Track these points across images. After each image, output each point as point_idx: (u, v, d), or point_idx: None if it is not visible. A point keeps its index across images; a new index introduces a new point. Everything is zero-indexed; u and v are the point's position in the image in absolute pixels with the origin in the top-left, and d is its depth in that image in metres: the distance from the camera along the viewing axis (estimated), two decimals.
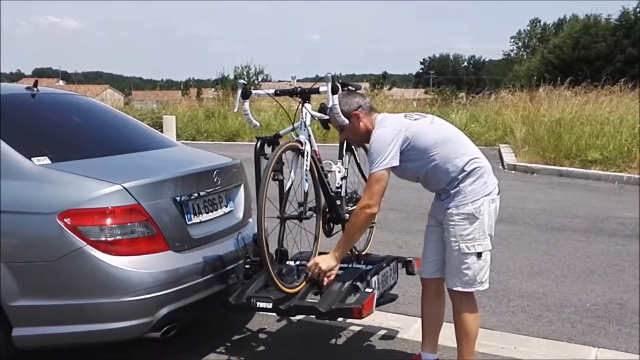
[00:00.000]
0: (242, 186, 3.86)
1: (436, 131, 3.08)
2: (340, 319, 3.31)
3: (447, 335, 3.41)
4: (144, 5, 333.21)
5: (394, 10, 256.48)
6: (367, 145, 3.13)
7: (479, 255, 3.01)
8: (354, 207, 3.76)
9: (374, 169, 3.00)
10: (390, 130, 3.03)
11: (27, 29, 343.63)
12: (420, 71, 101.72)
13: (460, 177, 3.01)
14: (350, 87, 3.68)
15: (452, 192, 3.04)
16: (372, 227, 3.97)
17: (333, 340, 3.76)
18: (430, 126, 3.10)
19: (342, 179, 3.67)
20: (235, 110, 3.49)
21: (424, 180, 3.14)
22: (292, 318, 3.98)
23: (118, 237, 2.92)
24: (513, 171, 11.39)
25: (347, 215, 3.67)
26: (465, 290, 3.05)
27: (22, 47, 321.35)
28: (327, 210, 3.59)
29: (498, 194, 3.11)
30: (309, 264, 3.19)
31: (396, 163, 2.99)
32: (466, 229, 3.00)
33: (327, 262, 3.14)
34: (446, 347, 3.47)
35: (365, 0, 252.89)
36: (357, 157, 3.96)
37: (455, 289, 3.07)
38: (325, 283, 3.18)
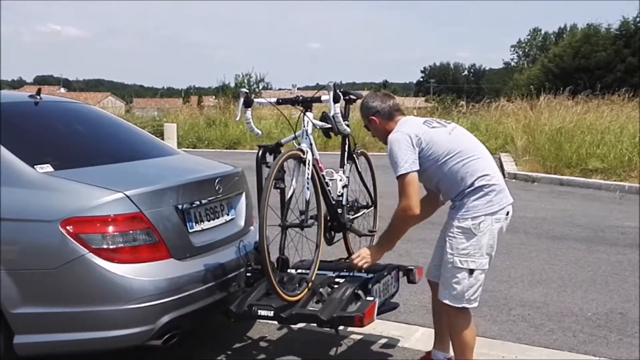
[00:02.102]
0: (244, 194, 3.87)
1: (452, 142, 3.09)
2: (341, 327, 3.31)
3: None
4: (146, 14, 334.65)
5: (395, 19, 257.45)
6: None
7: (471, 272, 3.00)
8: (355, 215, 3.79)
9: (400, 171, 3.03)
10: (404, 135, 3.07)
11: (29, 37, 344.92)
12: (421, 79, 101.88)
13: (467, 191, 3.03)
14: (351, 96, 3.71)
15: (457, 204, 3.07)
16: (374, 235, 3.98)
17: (334, 349, 3.76)
18: (447, 136, 3.11)
19: (343, 187, 3.68)
20: (238, 118, 3.50)
21: (437, 188, 3.19)
22: (293, 326, 3.97)
23: (120, 245, 2.93)
24: (514, 180, 11.39)
25: (349, 223, 3.68)
26: (453, 304, 3.05)
27: (23, 55, 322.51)
28: (328, 218, 3.60)
29: (507, 215, 3.06)
30: (354, 257, 3.33)
31: (417, 167, 3.04)
32: (462, 243, 3.01)
33: (373, 256, 3.29)
34: None
35: (366, 9, 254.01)
36: (358, 166, 3.97)
37: (444, 301, 3.09)
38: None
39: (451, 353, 3.32)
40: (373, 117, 3.23)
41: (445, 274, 3.07)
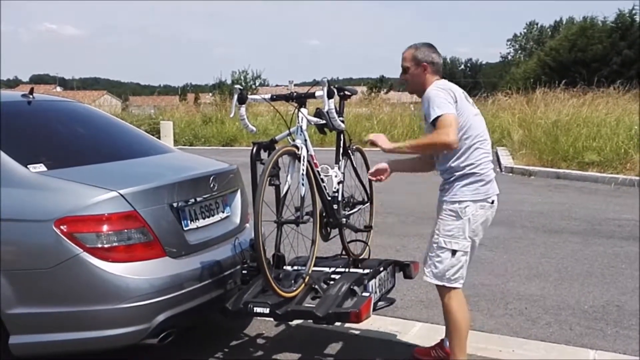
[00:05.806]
0: (239, 191, 3.86)
1: (468, 121, 3.16)
2: (338, 324, 3.31)
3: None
4: (144, 12, 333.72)
5: (393, 14, 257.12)
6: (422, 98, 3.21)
7: (454, 253, 3.14)
8: (351, 211, 3.79)
9: (438, 112, 3.03)
10: (447, 90, 3.14)
11: (26, 36, 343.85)
12: None
13: (456, 174, 3.15)
14: (346, 92, 3.71)
15: (446, 186, 3.20)
16: (370, 231, 3.98)
17: (331, 345, 3.76)
18: (472, 115, 3.18)
19: (338, 183, 3.67)
20: (232, 115, 3.49)
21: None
22: (290, 323, 3.97)
23: (115, 244, 2.92)
24: (510, 174, 11.40)
25: (344, 219, 3.68)
26: (434, 282, 3.19)
27: (20, 54, 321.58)
28: (324, 214, 3.59)
29: (492, 204, 3.18)
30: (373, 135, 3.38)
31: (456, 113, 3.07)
32: (448, 224, 3.15)
33: (386, 144, 3.29)
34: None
35: (364, 3, 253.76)
36: (353, 162, 3.96)
37: (425, 278, 3.22)
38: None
39: None
40: (426, 64, 3.22)
41: (430, 253, 3.22)
